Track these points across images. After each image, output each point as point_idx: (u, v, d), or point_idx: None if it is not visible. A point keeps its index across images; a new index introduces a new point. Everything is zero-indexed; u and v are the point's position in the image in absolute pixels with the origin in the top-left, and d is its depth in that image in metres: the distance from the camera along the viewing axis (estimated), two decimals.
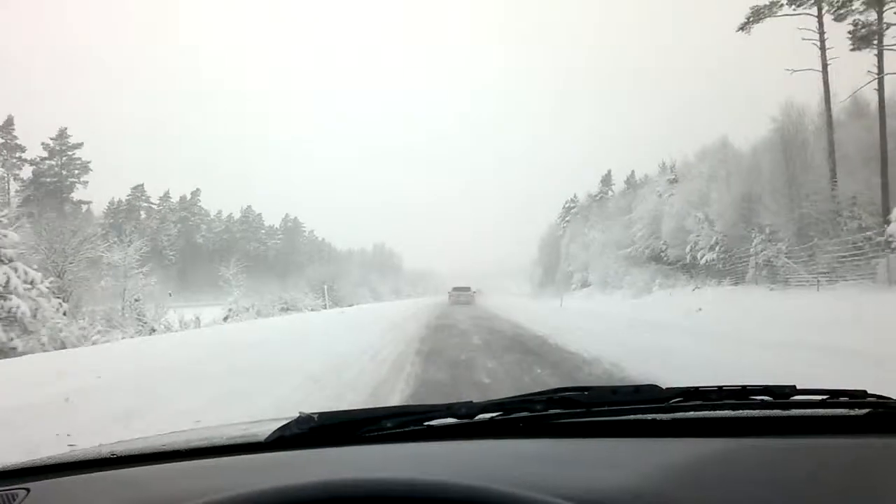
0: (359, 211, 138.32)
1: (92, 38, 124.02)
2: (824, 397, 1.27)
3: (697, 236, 28.99)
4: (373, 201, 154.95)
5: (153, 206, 78.47)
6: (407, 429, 1.23)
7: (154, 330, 22.72)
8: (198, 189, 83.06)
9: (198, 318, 25.85)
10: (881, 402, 1.23)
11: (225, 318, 29.55)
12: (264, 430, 1.24)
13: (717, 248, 27.48)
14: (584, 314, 23.58)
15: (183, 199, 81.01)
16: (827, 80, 21.47)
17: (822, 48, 21.41)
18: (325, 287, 42.19)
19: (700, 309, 20.59)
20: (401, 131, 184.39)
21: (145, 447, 1.34)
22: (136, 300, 24.62)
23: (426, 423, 1.23)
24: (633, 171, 55.30)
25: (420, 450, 1.19)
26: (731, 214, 26.12)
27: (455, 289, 48.15)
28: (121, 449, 1.31)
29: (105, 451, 1.28)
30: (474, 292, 48.58)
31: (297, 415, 1.26)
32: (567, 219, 63.08)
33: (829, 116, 21.54)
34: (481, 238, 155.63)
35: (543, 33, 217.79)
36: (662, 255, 33.32)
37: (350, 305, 42.69)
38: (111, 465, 1.23)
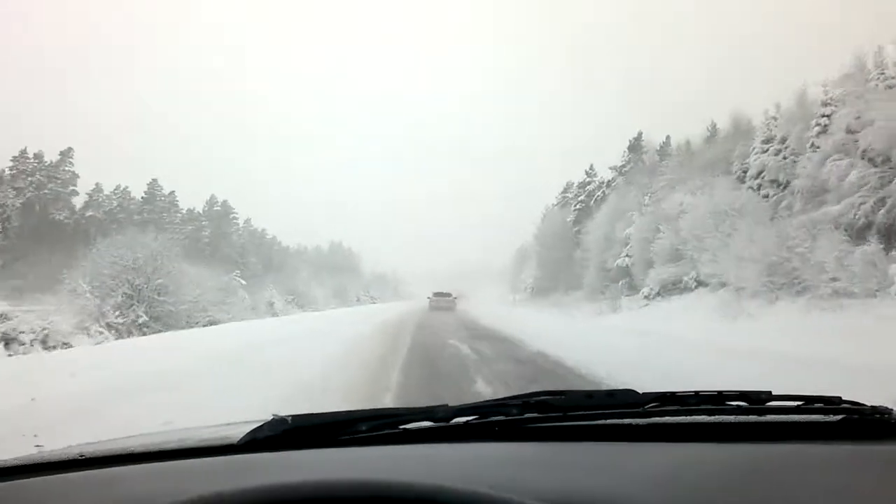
0: (315, 207, 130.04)
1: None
2: (799, 403, 1.28)
3: None
4: (334, 200, 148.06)
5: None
6: (382, 432, 1.21)
7: None
8: (69, 148, 56.62)
9: None
10: (855, 409, 1.25)
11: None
12: (237, 432, 1.21)
13: None
14: None
15: (39, 157, 54.91)
16: None
17: None
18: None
19: None
20: (366, 133, 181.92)
21: (115, 448, 1.31)
22: None
23: (402, 427, 1.22)
24: (667, 137, 43.45)
25: (395, 452, 1.17)
26: None
27: (435, 294, 45.27)
28: (90, 450, 1.28)
29: (74, 452, 1.26)
30: (455, 298, 45.55)
31: (271, 416, 1.23)
32: (580, 199, 46.26)
33: None
34: (451, 241, 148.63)
35: (524, 33, 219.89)
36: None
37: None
38: (80, 466, 1.20)
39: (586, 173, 48.24)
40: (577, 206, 46.31)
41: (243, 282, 45.76)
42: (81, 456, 1.23)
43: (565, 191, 56.45)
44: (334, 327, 19.12)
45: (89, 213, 57.41)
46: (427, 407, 1.26)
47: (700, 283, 24.21)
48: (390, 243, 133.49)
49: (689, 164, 31.50)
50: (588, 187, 46.80)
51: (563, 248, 44.82)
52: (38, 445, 3.57)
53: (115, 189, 61.93)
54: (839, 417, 1.21)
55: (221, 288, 34.58)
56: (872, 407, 1.25)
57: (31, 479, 1.13)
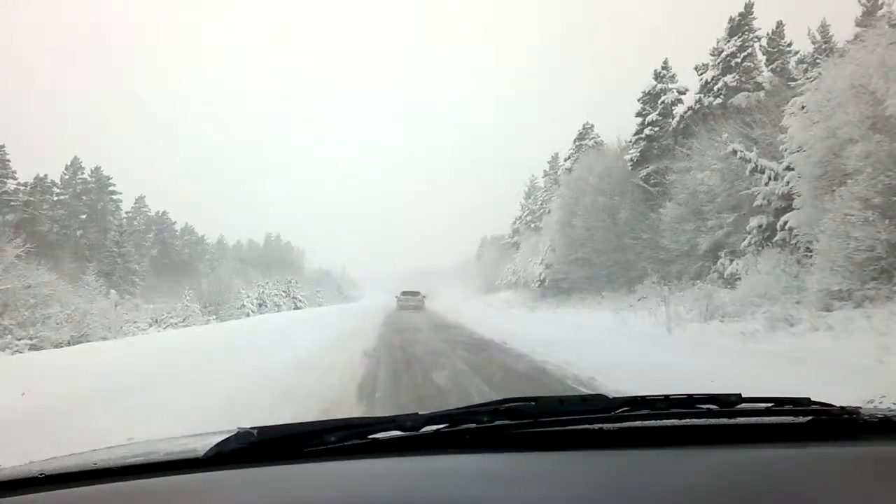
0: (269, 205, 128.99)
1: None
2: (769, 405, 1.29)
3: None
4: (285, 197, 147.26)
5: None
6: (350, 443, 1.18)
7: None
8: None
9: None
10: (823, 410, 1.27)
11: None
12: (203, 445, 1.18)
13: None
14: None
15: None
16: None
17: None
18: None
19: None
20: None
21: (78, 465, 1.24)
22: None
23: (370, 437, 1.20)
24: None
25: (363, 467, 1.14)
26: None
27: (403, 293, 43.46)
28: (52, 467, 1.23)
29: (34, 470, 1.21)
30: (424, 297, 43.90)
31: (236, 429, 1.20)
32: (651, 126, 27.51)
33: None
34: (402, 242, 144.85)
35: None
36: None
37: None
38: (40, 485, 1.15)
39: (658, 75, 28.39)
40: (647, 139, 26.74)
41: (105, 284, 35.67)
42: (41, 474, 1.18)
43: (581, 137, 37.87)
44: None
45: None
46: (396, 416, 1.24)
47: None
48: (341, 241, 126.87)
49: None
50: (662, 100, 27.16)
51: (614, 217, 25.84)
52: None
53: None
54: (808, 419, 1.24)
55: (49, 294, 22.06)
56: (841, 407, 1.28)
57: None
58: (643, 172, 25.57)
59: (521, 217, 56.26)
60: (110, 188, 54.84)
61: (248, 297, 42.93)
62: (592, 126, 38.81)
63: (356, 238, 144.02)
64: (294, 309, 43.94)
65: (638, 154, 26.27)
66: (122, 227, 50.35)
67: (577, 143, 38.68)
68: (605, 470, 1.05)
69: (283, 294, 47.71)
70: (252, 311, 39.80)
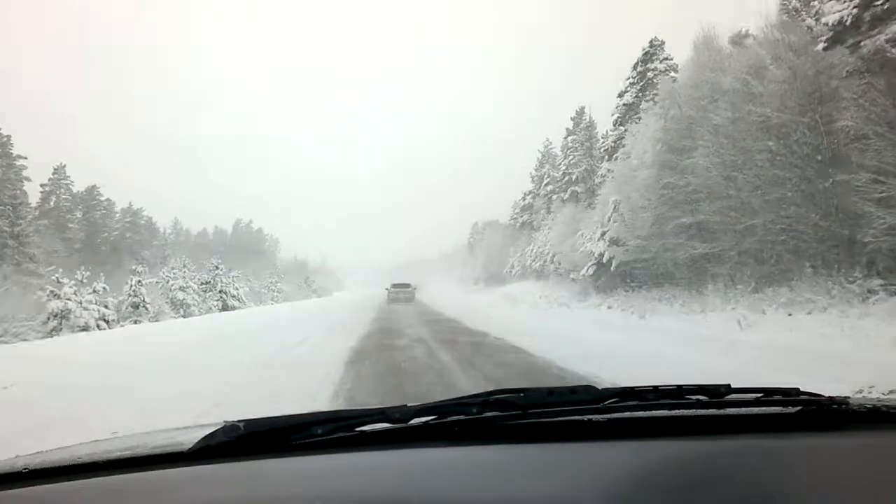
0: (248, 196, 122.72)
1: None
2: (758, 396, 1.29)
3: None
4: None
5: None
6: (338, 435, 1.16)
7: None
8: None
9: None
10: (812, 400, 1.27)
11: None
12: (189, 438, 1.17)
13: None
14: None
15: None
16: None
17: None
18: None
19: None
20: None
21: (63, 459, 1.22)
22: None
23: (358, 429, 1.18)
24: None
25: (351, 460, 1.12)
26: None
27: (394, 286, 41.18)
28: (37, 462, 1.20)
29: (19, 465, 1.19)
30: (414, 288, 41.78)
31: (223, 422, 1.18)
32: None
33: None
34: (383, 234, 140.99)
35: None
36: None
37: None
38: (26, 480, 1.14)
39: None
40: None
41: None
42: (26, 469, 1.16)
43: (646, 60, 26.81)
44: None
45: None
46: (384, 407, 1.22)
47: None
48: (322, 233, 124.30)
49: None
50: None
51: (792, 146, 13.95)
52: None
53: None
54: (797, 409, 1.23)
55: None
56: (829, 398, 1.27)
57: None
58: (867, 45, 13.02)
59: (534, 191, 47.23)
60: (14, 154, 42.45)
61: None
62: (663, 43, 27.13)
63: (338, 230, 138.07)
64: (222, 310, 33.24)
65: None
66: (17, 198, 38.01)
67: (638, 71, 27.09)
68: (594, 461, 1.04)
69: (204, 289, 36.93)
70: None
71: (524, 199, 49.56)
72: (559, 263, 30.30)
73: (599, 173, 31.09)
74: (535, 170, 47.43)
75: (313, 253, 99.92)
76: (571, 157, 38.91)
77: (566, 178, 38.82)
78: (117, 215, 56.85)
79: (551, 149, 45.44)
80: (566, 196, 37.23)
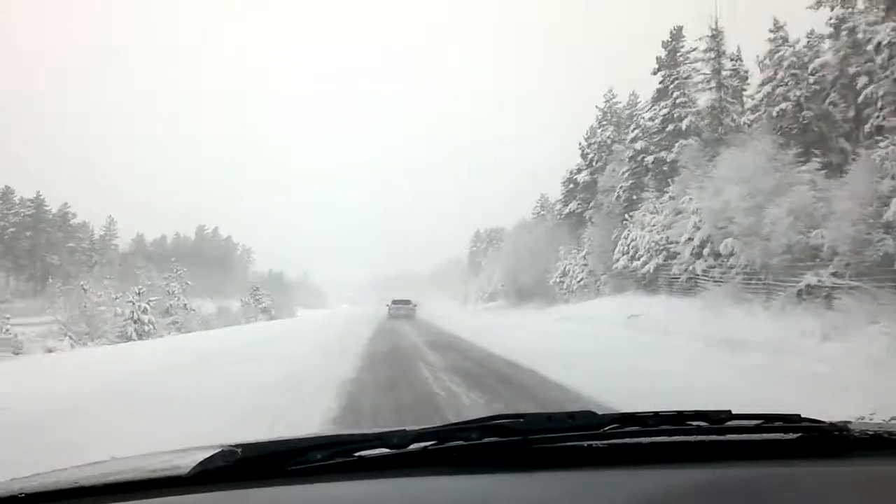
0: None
1: None
2: (759, 422, 1.29)
3: None
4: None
5: None
6: (336, 461, 1.15)
7: None
8: None
9: None
10: (814, 426, 1.26)
11: None
12: (187, 462, 1.16)
13: None
14: None
15: None
16: None
17: None
18: None
19: None
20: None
21: (59, 482, 1.21)
22: None
23: (357, 454, 1.17)
24: None
25: (349, 489, 1.11)
26: None
27: (395, 302, 40.86)
28: (33, 485, 1.19)
29: (15, 488, 1.17)
30: (415, 305, 40.93)
31: (220, 446, 1.18)
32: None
33: None
34: (365, 251, 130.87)
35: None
36: None
37: None
38: None
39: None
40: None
41: None
42: (22, 493, 1.14)
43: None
44: None
45: None
46: (383, 432, 1.21)
47: None
48: (305, 246, 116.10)
49: None
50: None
51: None
52: None
53: None
54: (797, 436, 1.23)
55: None
56: (831, 424, 1.26)
57: None
58: None
59: (592, 163, 35.71)
60: None
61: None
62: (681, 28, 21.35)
63: (322, 242, 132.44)
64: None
65: None
66: None
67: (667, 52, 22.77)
68: (594, 490, 1.03)
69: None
70: None
71: (571, 178, 37.24)
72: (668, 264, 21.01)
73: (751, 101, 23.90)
74: (587, 138, 36.99)
75: (293, 268, 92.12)
76: (682, 89, 27.57)
77: (676, 120, 27.11)
78: (16, 207, 47.99)
79: (615, 104, 35.46)
80: (685, 144, 25.49)
